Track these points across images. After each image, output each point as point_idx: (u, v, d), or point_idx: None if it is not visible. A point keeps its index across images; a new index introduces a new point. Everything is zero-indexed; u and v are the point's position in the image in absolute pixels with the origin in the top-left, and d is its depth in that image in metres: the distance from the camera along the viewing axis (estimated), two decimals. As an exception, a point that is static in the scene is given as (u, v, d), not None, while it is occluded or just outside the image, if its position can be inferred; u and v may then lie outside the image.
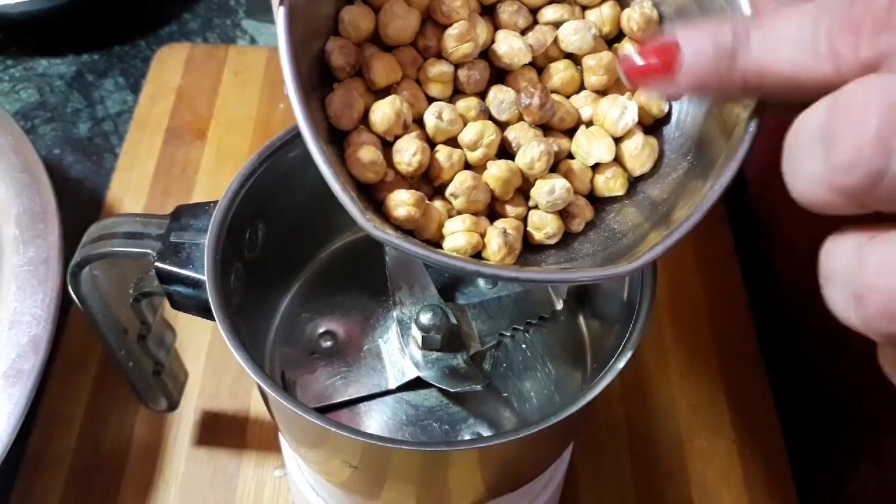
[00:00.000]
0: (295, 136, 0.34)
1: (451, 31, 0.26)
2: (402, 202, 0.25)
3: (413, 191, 0.25)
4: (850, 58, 0.18)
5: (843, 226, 0.19)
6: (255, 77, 0.64)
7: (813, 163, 0.18)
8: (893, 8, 0.18)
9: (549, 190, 0.26)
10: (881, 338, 0.18)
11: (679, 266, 0.53)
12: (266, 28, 0.69)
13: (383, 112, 0.26)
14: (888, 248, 0.17)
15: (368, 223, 0.24)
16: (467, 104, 0.27)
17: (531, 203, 0.27)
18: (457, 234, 0.26)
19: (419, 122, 0.27)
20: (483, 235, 0.26)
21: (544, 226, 0.27)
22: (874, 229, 0.18)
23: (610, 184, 0.27)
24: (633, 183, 0.28)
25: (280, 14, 0.24)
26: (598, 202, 0.28)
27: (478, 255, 0.26)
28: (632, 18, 0.28)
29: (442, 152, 0.26)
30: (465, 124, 0.27)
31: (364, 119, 0.26)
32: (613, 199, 0.28)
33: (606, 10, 0.28)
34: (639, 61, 0.22)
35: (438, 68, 0.27)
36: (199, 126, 0.61)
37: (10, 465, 0.44)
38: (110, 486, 0.45)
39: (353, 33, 0.27)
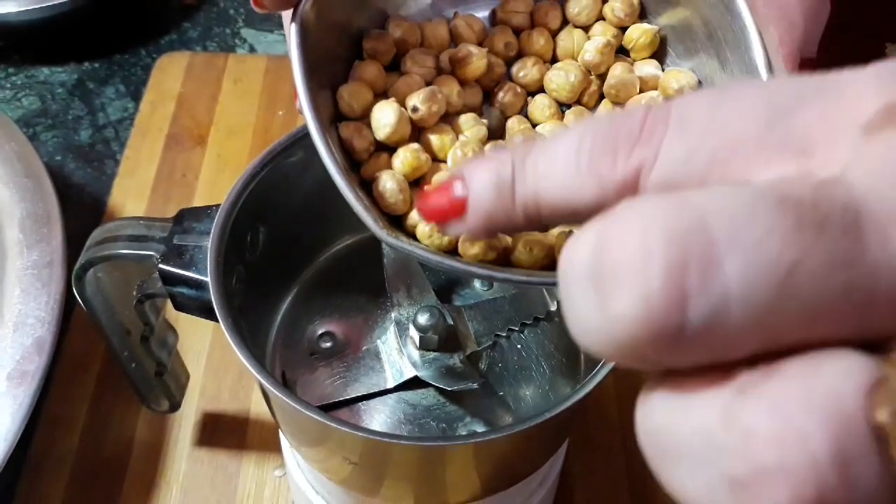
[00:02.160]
0: (295, 141, 0.34)
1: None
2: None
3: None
4: (608, 177, 0.16)
5: (671, 376, 0.14)
6: (254, 84, 0.65)
7: (588, 309, 0.13)
8: (646, 122, 0.16)
9: None
10: None
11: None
12: (265, 37, 0.70)
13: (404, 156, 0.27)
14: (787, 398, 0.12)
15: (382, 231, 0.24)
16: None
17: None
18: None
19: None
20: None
21: None
22: (737, 372, 0.13)
23: None
24: None
25: (292, 30, 0.25)
26: None
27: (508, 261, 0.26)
28: (615, 8, 0.28)
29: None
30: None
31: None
32: None
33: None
34: (432, 202, 0.21)
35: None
36: (200, 132, 0.62)
37: (13, 465, 0.44)
38: (112, 486, 0.46)
39: (355, 107, 0.27)
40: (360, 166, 0.27)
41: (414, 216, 0.26)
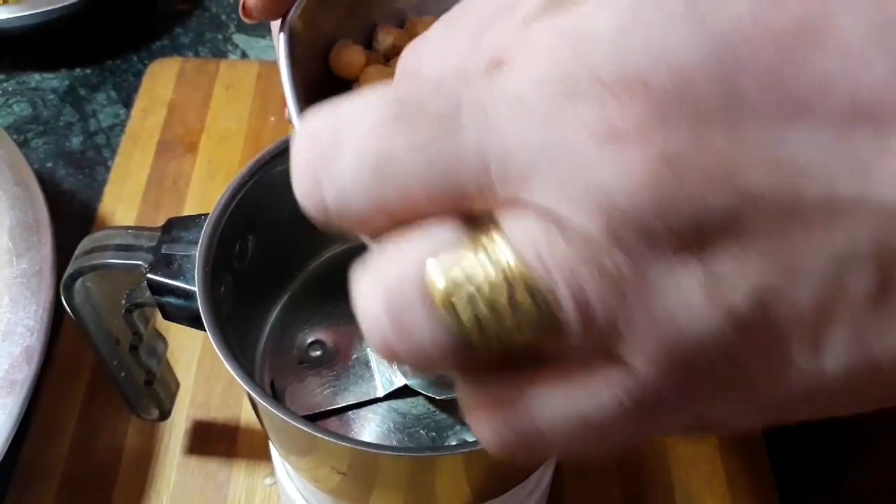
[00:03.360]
0: (284, 150, 0.34)
1: None
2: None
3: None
4: None
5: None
6: (245, 91, 0.65)
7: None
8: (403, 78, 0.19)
9: None
10: None
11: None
12: (257, 42, 0.70)
13: None
14: (375, 263, 0.15)
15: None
16: None
17: None
18: None
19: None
20: None
21: None
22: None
23: None
24: None
25: (281, 39, 0.25)
26: None
27: None
28: None
29: None
30: None
31: None
32: None
33: None
34: None
35: None
36: (191, 139, 0.62)
37: (3, 474, 0.44)
38: (102, 494, 0.46)
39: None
40: None
41: None
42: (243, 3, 0.25)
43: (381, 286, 0.14)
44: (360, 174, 0.15)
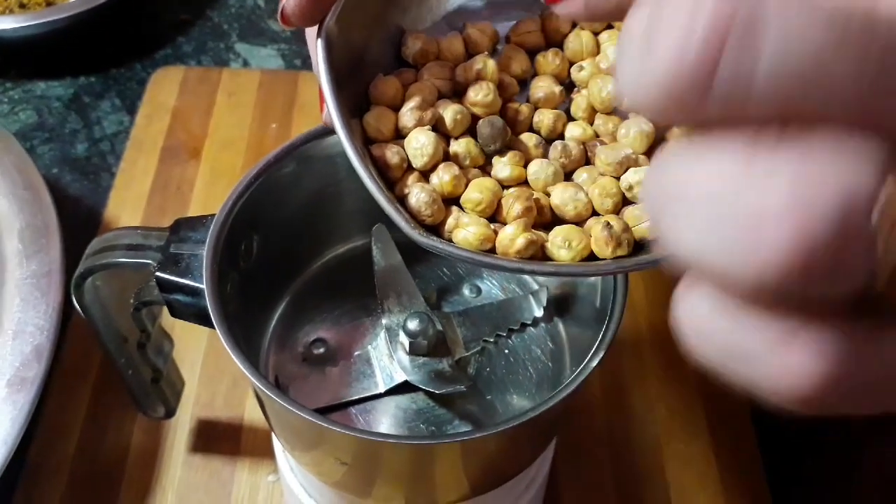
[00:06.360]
0: (288, 153, 0.35)
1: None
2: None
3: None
4: None
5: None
6: (247, 98, 0.66)
7: (633, 60, 0.14)
8: None
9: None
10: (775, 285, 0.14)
11: (657, 274, 0.55)
12: (258, 51, 0.71)
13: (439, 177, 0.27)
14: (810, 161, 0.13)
15: (414, 231, 0.25)
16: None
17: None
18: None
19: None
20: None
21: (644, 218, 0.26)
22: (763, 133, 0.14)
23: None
24: None
25: (319, 45, 0.25)
26: None
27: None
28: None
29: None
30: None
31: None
32: None
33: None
34: None
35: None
36: (194, 145, 0.63)
37: (10, 473, 0.45)
38: (109, 492, 0.46)
39: (384, 131, 0.27)
40: (394, 186, 0.27)
41: (450, 223, 0.26)
42: (282, 11, 0.25)
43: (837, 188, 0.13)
44: (783, 65, 0.13)
